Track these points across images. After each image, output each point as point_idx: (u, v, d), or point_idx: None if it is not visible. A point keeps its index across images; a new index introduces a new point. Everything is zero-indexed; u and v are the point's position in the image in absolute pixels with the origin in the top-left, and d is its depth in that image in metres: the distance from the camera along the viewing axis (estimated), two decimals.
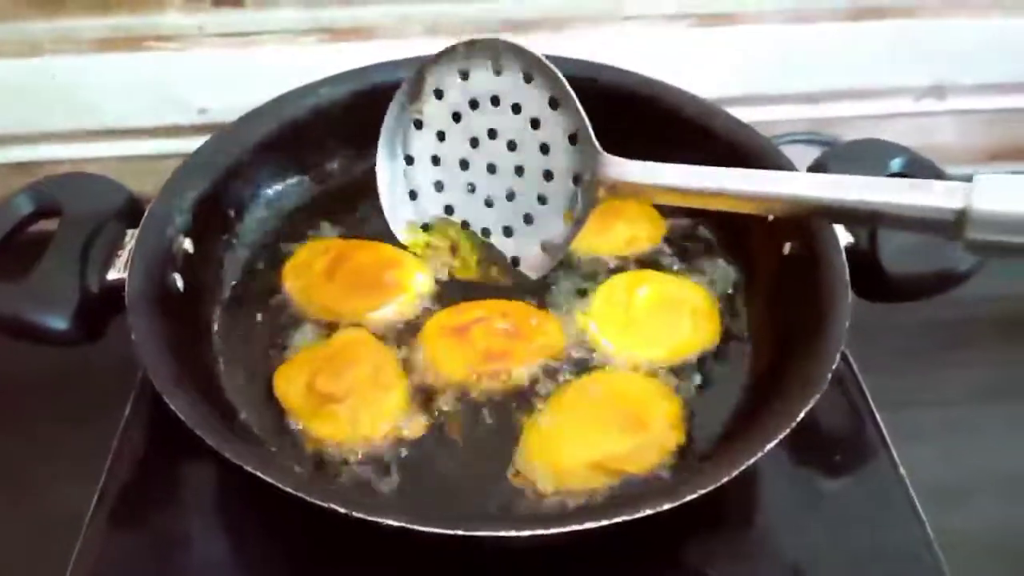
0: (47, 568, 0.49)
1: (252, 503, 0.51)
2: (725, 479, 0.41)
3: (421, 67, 0.55)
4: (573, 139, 0.52)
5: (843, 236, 0.54)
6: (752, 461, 0.42)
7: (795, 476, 0.54)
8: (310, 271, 0.58)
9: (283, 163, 0.63)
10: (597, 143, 0.51)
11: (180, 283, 0.53)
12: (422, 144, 0.57)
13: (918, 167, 0.58)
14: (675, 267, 0.61)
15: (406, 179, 0.58)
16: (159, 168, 0.74)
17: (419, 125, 0.57)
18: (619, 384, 0.53)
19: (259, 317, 0.57)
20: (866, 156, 0.59)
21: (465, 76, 0.54)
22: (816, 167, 0.59)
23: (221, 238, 0.59)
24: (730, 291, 0.59)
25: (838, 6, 0.74)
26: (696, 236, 0.63)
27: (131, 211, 0.56)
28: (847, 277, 0.51)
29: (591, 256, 0.61)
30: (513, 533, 0.39)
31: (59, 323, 0.49)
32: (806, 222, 0.54)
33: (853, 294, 0.51)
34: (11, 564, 0.52)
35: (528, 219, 0.55)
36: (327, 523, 0.43)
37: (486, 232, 0.57)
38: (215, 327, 0.56)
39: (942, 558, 0.50)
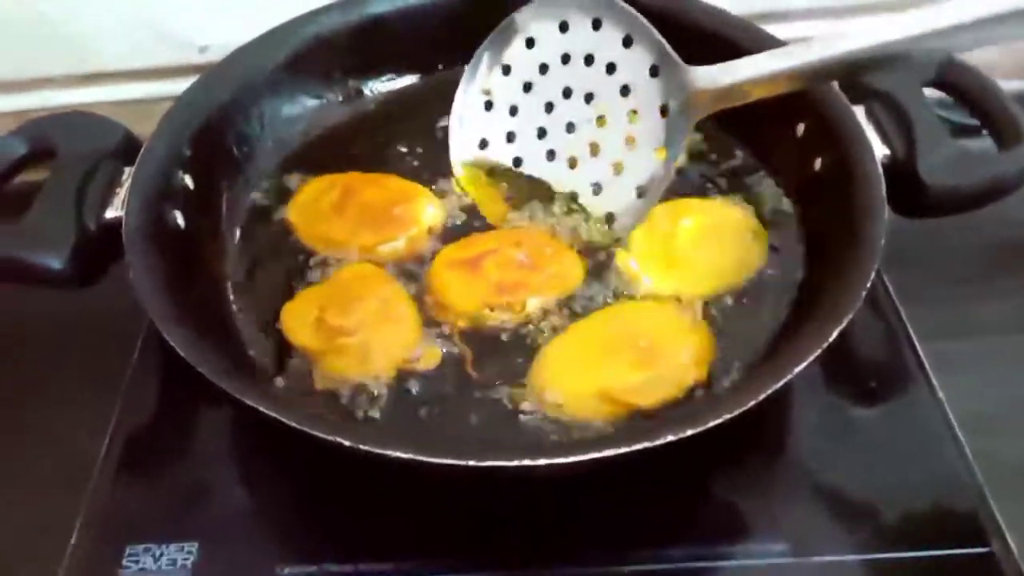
0: (58, 517, 0.49)
1: (262, 445, 0.50)
2: (751, 403, 0.39)
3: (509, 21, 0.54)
4: (654, 70, 0.50)
5: (878, 148, 0.51)
6: (780, 385, 0.40)
7: (829, 403, 0.52)
8: (317, 206, 0.56)
9: (284, 95, 0.61)
10: (681, 61, 0.49)
11: (181, 220, 0.52)
12: (504, 90, 0.55)
13: (958, 72, 0.54)
14: (710, 191, 0.58)
15: (482, 117, 0.56)
16: (157, 112, 0.72)
17: (506, 71, 0.55)
18: (641, 314, 0.50)
19: (266, 254, 0.55)
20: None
21: (531, 43, 0.53)
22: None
23: (222, 173, 0.57)
24: (772, 211, 0.56)
25: None
26: (729, 155, 0.59)
27: (128, 149, 0.54)
28: (883, 191, 0.48)
29: None
30: (527, 462, 0.37)
31: (55, 263, 0.47)
32: (836, 136, 0.52)
33: (890, 211, 0.48)
34: (21, 514, 0.51)
35: (618, 168, 0.52)
36: (338, 461, 0.42)
37: (574, 196, 0.53)
38: (221, 264, 0.54)
39: (983, 481, 0.48)
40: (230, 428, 0.52)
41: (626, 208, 0.52)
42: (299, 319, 0.50)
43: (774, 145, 0.57)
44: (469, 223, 0.56)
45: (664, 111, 0.49)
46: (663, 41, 0.49)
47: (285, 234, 0.56)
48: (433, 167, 0.58)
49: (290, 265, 0.54)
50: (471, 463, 0.37)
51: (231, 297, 0.53)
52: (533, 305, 0.50)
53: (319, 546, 0.46)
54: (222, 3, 0.69)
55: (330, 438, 0.38)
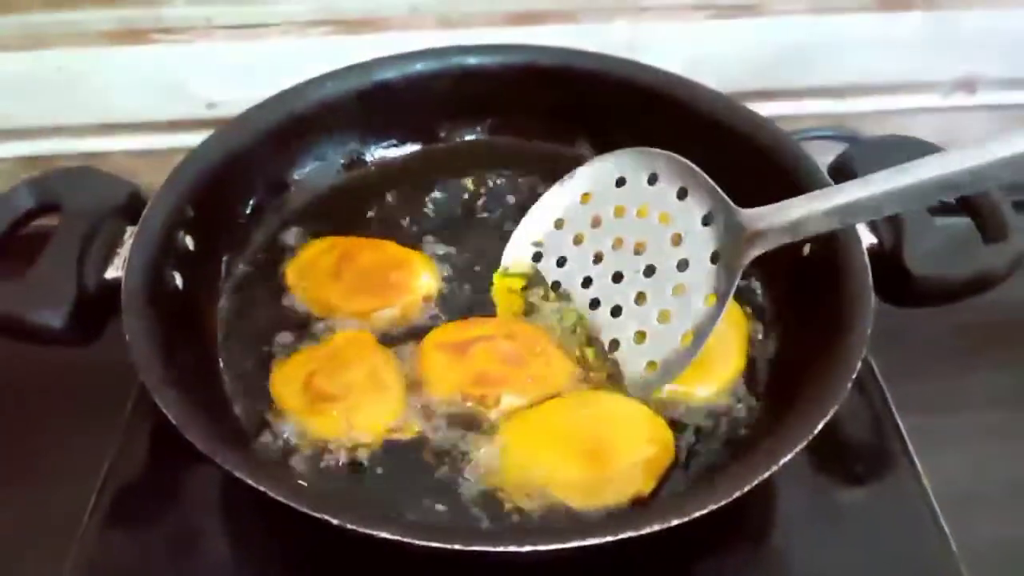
0: (44, 568, 0.49)
1: (252, 504, 0.49)
2: (737, 494, 0.40)
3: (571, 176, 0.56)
4: (706, 219, 0.50)
5: (865, 236, 0.52)
6: (766, 475, 0.41)
7: (815, 486, 0.52)
8: (315, 269, 0.57)
9: (288, 157, 0.62)
10: (734, 205, 0.49)
11: (179, 281, 0.52)
12: (555, 241, 0.56)
13: None
14: None
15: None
16: (168, 163, 0.73)
17: (559, 224, 0.57)
18: (607, 406, 0.50)
19: (262, 315, 0.56)
20: (890, 154, 0.56)
21: (586, 198, 0.55)
22: (838, 165, 0.57)
23: (223, 234, 0.58)
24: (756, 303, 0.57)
25: None
26: None
27: (133, 207, 0.54)
28: (870, 281, 0.49)
29: None
30: (512, 548, 0.37)
31: (54, 322, 0.48)
32: None
33: (877, 298, 0.49)
34: (9, 564, 0.51)
35: (664, 317, 0.51)
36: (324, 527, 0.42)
37: (614, 344, 0.52)
38: (216, 325, 0.55)
39: (963, 566, 0.48)
40: (217, 482, 0.52)
41: (669, 355, 0.50)
42: (288, 381, 0.51)
43: None
44: (464, 292, 0.57)
45: (715, 258, 0.49)
46: (717, 189, 0.49)
47: (280, 293, 0.57)
48: (430, 234, 0.60)
49: (283, 326, 0.55)
50: (456, 547, 0.37)
51: (221, 355, 0.54)
52: (507, 402, 0.50)
53: None
54: (230, 64, 0.71)
55: (317, 515, 0.38)
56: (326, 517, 0.38)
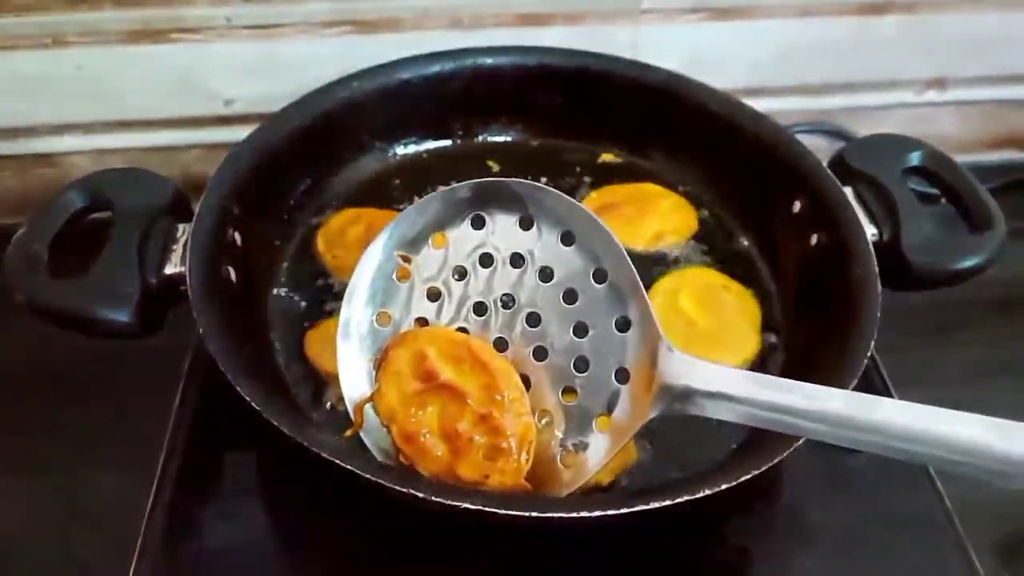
0: (102, 562, 0.52)
1: (311, 489, 0.53)
2: (776, 459, 0.44)
3: (424, 203, 0.48)
4: (624, 325, 0.44)
5: (867, 228, 0.57)
6: (797, 445, 0.45)
7: (819, 453, 0.57)
8: (344, 237, 0.61)
9: (317, 156, 0.65)
10: (663, 333, 0.43)
11: (233, 275, 0.55)
12: (405, 306, 0.49)
13: (936, 162, 0.61)
14: (708, 262, 0.63)
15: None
16: (183, 159, 0.76)
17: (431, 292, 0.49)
18: None
19: (306, 298, 0.59)
20: (884, 151, 0.62)
21: (479, 224, 0.47)
22: (835, 163, 0.62)
23: (266, 229, 0.61)
24: (766, 288, 0.61)
25: (845, 1, 0.77)
26: (723, 227, 0.65)
27: (178, 204, 0.57)
28: (875, 268, 0.53)
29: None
30: (584, 514, 0.41)
31: (123, 316, 0.50)
32: (832, 215, 0.57)
33: None
34: (66, 557, 0.53)
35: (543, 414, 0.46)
36: (386, 505, 0.45)
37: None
38: (268, 314, 0.58)
39: (957, 521, 0.54)
40: (268, 467, 0.55)
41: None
42: (322, 344, 0.53)
43: (772, 220, 0.62)
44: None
45: (622, 376, 0.44)
46: (647, 301, 0.44)
47: (321, 275, 0.60)
48: None
49: (324, 300, 0.58)
50: (534, 514, 0.41)
51: (277, 343, 0.57)
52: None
53: None
54: (247, 62, 0.72)
55: (403, 490, 0.41)
56: (411, 491, 0.41)
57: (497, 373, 0.45)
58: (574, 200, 0.46)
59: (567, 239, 0.46)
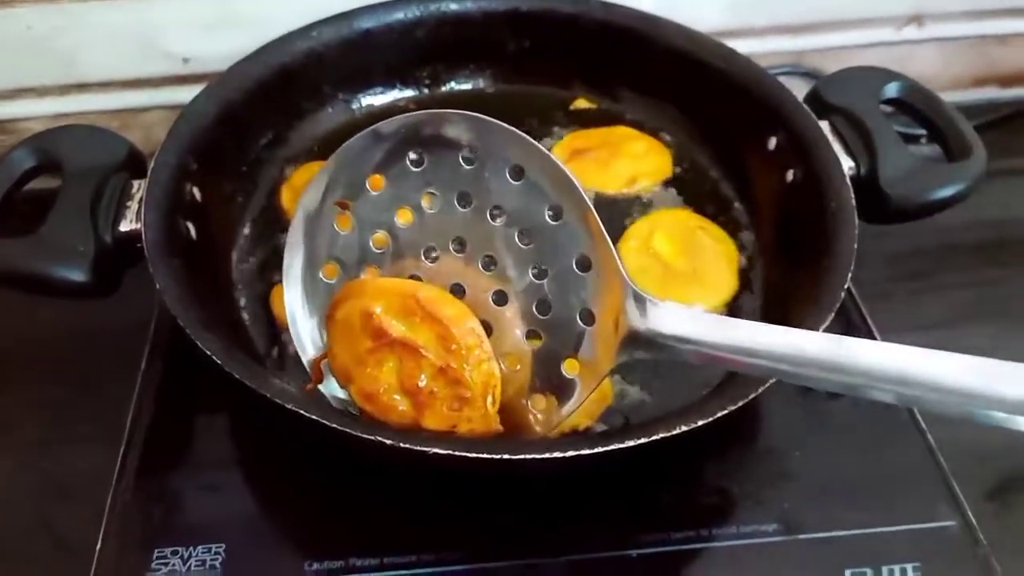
0: (75, 530, 0.51)
1: (280, 445, 0.52)
2: (752, 395, 0.43)
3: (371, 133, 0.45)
4: (584, 264, 0.43)
5: (844, 161, 0.56)
6: (768, 385, 0.44)
7: (798, 396, 0.56)
8: None
9: (279, 109, 0.64)
10: (626, 273, 0.41)
11: (193, 231, 0.54)
12: (351, 255, 0.47)
13: (912, 93, 0.60)
14: (683, 204, 0.62)
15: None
16: (143, 121, 0.74)
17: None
18: None
19: (271, 254, 0.58)
20: (860, 83, 0.61)
21: (418, 162, 0.45)
22: (811, 98, 0.61)
23: (226, 184, 0.59)
24: (742, 227, 0.61)
25: None
26: (698, 168, 0.65)
27: (133, 162, 0.55)
28: (852, 200, 0.53)
29: (595, 193, 0.62)
30: (557, 454, 0.40)
31: (77, 275, 0.49)
32: (807, 150, 0.56)
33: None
34: (43, 529, 0.52)
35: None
36: (355, 457, 0.46)
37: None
38: (232, 270, 0.57)
39: (943, 462, 0.53)
40: (240, 427, 0.54)
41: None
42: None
43: (747, 158, 0.62)
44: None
45: (588, 317, 0.43)
46: (606, 238, 0.42)
47: (279, 222, 0.59)
48: None
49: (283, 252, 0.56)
50: (504, 456, 0.40)
51: (239, 293, 0.56)
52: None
53: (343, 541, 0.48)
54: (204, 19, 0.70)
55: (369, 437, 0.40)
56: (379, 439, 0.40)
57: (449, 321, 0.43)
58: (517, 130, 0.43)
59: (515, 174, 0.43)
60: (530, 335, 0.45)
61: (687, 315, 0.41)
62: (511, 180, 0.43)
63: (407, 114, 0.44)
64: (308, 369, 0.47)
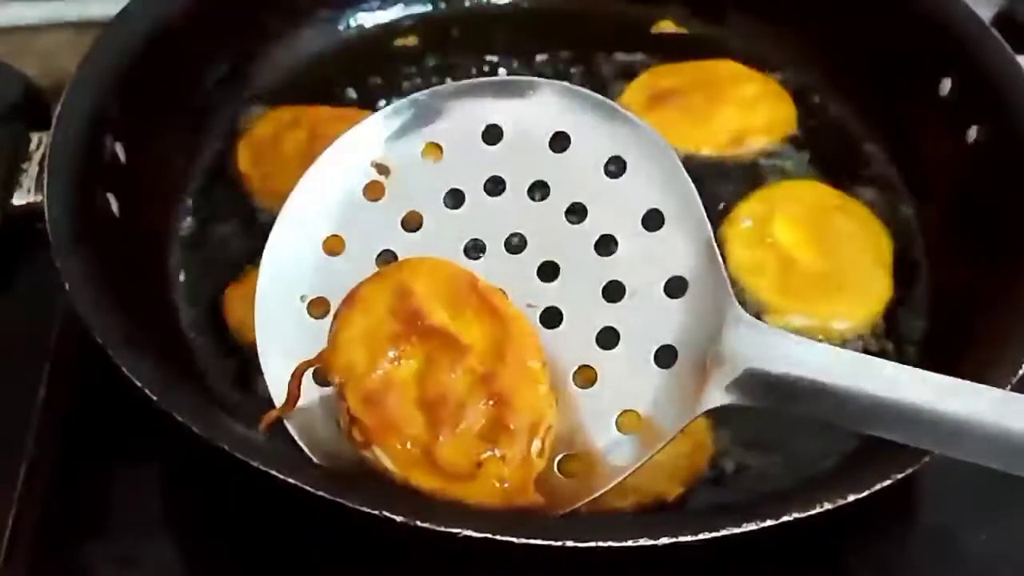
0: None
1: (225, 505, 0.52)
2: (925, 459, 0.42)
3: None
4: (677, 288, 0.44)
5: None
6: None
7: None
8: (277, 151, 0.59)
9: (240, 27, 0.64)
10: (733, 297, 0.43)
11: (115, 206, 0.53)
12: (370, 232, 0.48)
13: None
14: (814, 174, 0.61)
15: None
16: (39, 45, 0.74)
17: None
18: None
19: (224, 239, 0.58)
20: None
21: (494, 137, 0.48)
22: (1002, 20, 0.63)
23: (161, 139, 0.59)
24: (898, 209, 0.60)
25: None
26: (836, 123, 0.64)
27: (31, 105, 0.56)
28: None
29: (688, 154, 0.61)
30: (645, 541, 0.39)
31: None
32: (998, 96, 0.55)
33: None
34: None
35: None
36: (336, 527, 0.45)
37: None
38: (170, 262, 0.57)
39: None
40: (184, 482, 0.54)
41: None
42: (248, 306, 0.49)
43: (907, 108, 0.61)
44: None
45: (666, 359, 0.44)
46: (717, 254, 0.44)
47: (238, 193, 0.59)
48: None
49: (242, 233, 0.58)
50: (569, 544, 0.38)
51: (178, 296, 0.56)
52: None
53: None
54: None
55: (375, 512, 0.39)
56: (386, 514, 0.39)
57: (513, 324, 0.43)
58: (633, 116, 0.45)
59: (614, 167, 0.45)
60: (580, 373, 0.45)
61: (812, 351, 0.41)
62: (605, 175, 0.45)
63: (499, 78, 0.51)
64: (269, 381, 0.46)
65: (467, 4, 0.69)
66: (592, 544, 0.39)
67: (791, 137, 0.63)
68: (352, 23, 0.68)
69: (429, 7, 0.69)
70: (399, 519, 0.39)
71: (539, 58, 0.66)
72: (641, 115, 0.47)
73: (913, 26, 0.60)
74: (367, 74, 0.65)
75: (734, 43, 0.67)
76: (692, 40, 0.68)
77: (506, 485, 0.42)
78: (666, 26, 0.68)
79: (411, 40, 0.67)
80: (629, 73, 0.65)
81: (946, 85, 0.58)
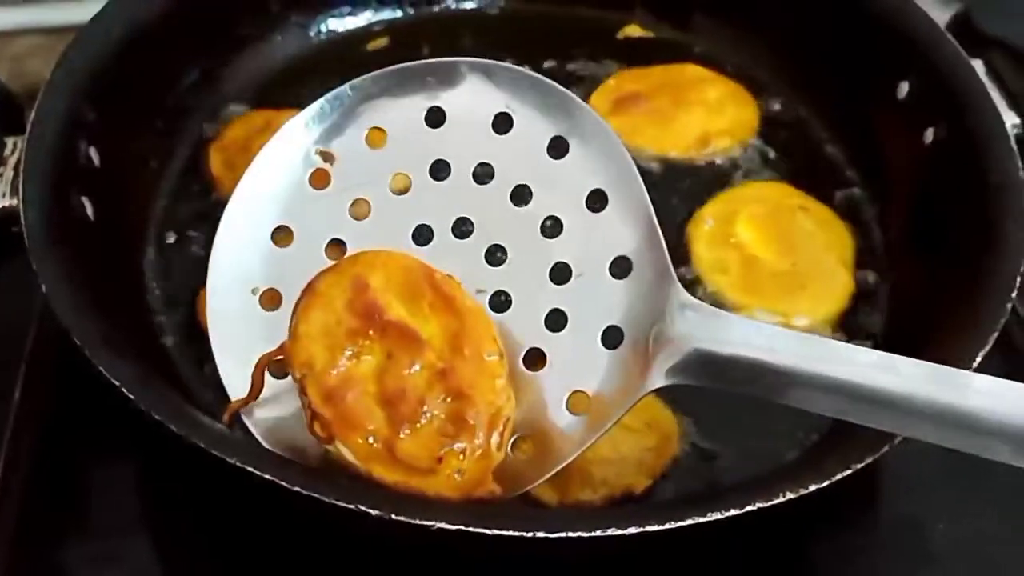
0: None
1: (203, 504, 0.52)
2: (885, 448, 0.42)
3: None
4: (622, 269, 0.44)
5: (1007, 116, 0.56)
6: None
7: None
8: (249, 155, 0.58)
9: (213, 32, 0.64)
10: (674, 275, 0.43)
11: (90, 209, 0.53)
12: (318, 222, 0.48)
13: None
14: (777, 175, 0.62)
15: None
16: (13, 50, 0.74)
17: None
18: None
19: (198, 241, 0.58)
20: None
21: (437, 120, 0.47)
22: (958, 25, 0.62)
23: (136, 143, 0.59)
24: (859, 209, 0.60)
25: None
26: (797, 125, 0.64)
27: (4, 110, 0.56)
28: (1021, 172, 0.52)
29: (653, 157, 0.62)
30: (613, 531, 0.39)
31: None
32: (954, 99, 0.56)
33: None
34: None
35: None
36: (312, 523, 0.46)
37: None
38: (145, 264, 0.57)
39: None
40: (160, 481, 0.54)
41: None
42: None
43: (867, 110, 0.61)
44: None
45: (612, 340, 0.44)
46: (658, 232, 0.44)
47: (211, 197, 0.60)
48: None
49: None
50: (540, 535, 0.39)
51: (153, 299, 0.56)
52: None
53: None
54: None
55: (350, 506, 0.39)
56: (361, 508, 0.39)
57: (470, 316, 0.44)
58: (573, 95, 0.45)
59: (557, 148, 0.45)
60: (530, 356, 0.45)
61: (759, 331, 0.42)
62: (549, 156, 0.45)
63: (435, 59, 0.47)
64: (224, 377, 0.47)
65: (435, 10, 0.70)
66: (562, 535, 0.39)
67: (755, 139, 0.63)
68: (323, 29, 0.68)
69: (399, 13, 0.69)
70: (374, 513, 0.39)
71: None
72: (608, 119, 0.48)
73: (871, 30, 0.61)
74: (338, 79, 0.65)
75: (699, 47, 0.68)
76: (658, 44, 0.68)
77: (466, 477, 0.42)
78: (632, 31, 0.69)
79: (382, 43, 0.68)
80: (596, 78, 0.66)
81: (904, 88, 0.59)
